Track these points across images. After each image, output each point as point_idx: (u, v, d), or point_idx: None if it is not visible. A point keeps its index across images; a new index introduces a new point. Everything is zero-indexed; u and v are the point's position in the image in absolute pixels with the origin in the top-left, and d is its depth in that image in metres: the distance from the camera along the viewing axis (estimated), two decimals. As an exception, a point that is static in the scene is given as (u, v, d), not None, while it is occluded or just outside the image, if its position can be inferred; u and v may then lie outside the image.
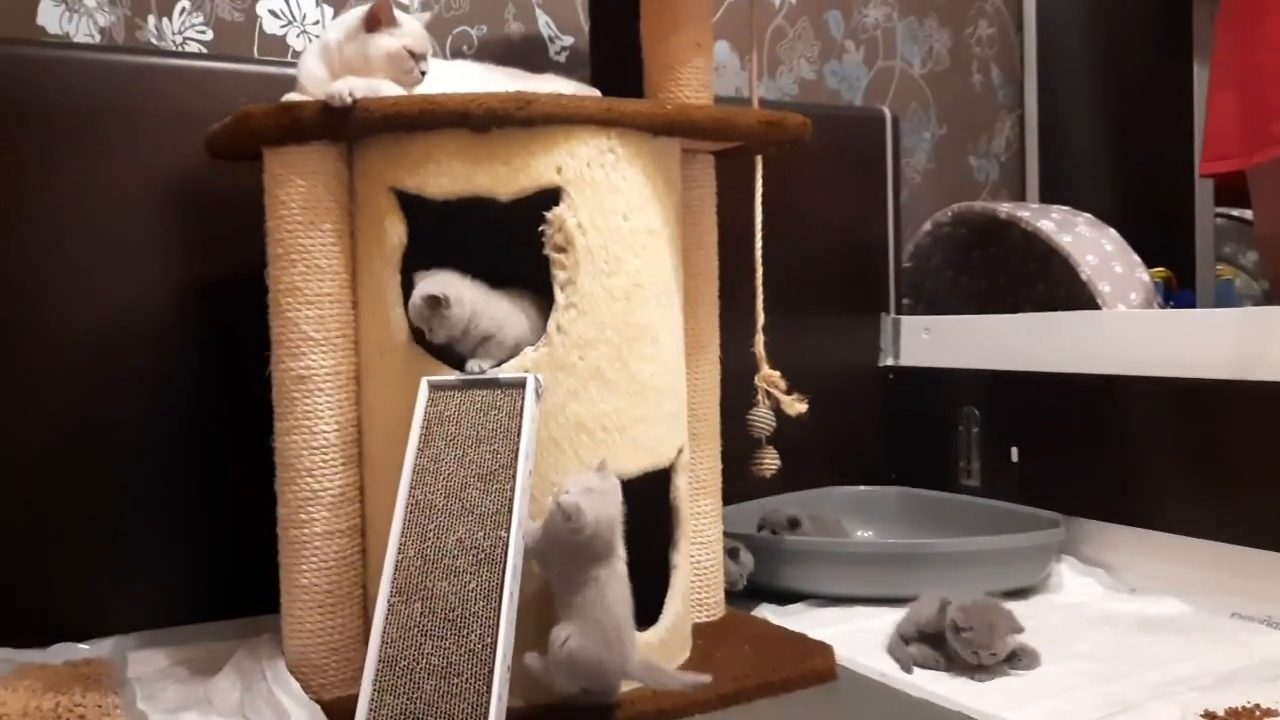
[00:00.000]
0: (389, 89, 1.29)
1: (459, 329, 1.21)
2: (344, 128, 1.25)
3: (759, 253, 1.61)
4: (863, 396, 2.12)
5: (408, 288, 1.26)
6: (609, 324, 1.28)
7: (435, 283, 1.21)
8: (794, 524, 1.75)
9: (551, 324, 1.26)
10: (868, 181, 2.15)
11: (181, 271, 1.56)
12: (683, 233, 1.43)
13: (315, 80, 1.33)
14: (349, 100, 1.22)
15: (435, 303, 1.19)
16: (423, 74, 1.35)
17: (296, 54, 1.75)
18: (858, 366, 2.14)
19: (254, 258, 1.34)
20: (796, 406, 1.60)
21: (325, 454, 1.29)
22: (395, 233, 1.27)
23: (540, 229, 1.26)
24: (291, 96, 1.32)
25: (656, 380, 1.34)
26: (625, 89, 1.48)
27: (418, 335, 1.26)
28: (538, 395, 1.21)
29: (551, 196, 1.26)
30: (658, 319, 1.34)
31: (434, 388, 1.22)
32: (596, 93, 1.45)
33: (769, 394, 1.62)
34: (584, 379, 1.26)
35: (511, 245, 1.28)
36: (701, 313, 1.51)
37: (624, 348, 1.29)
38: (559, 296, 1.26)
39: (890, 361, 2.14)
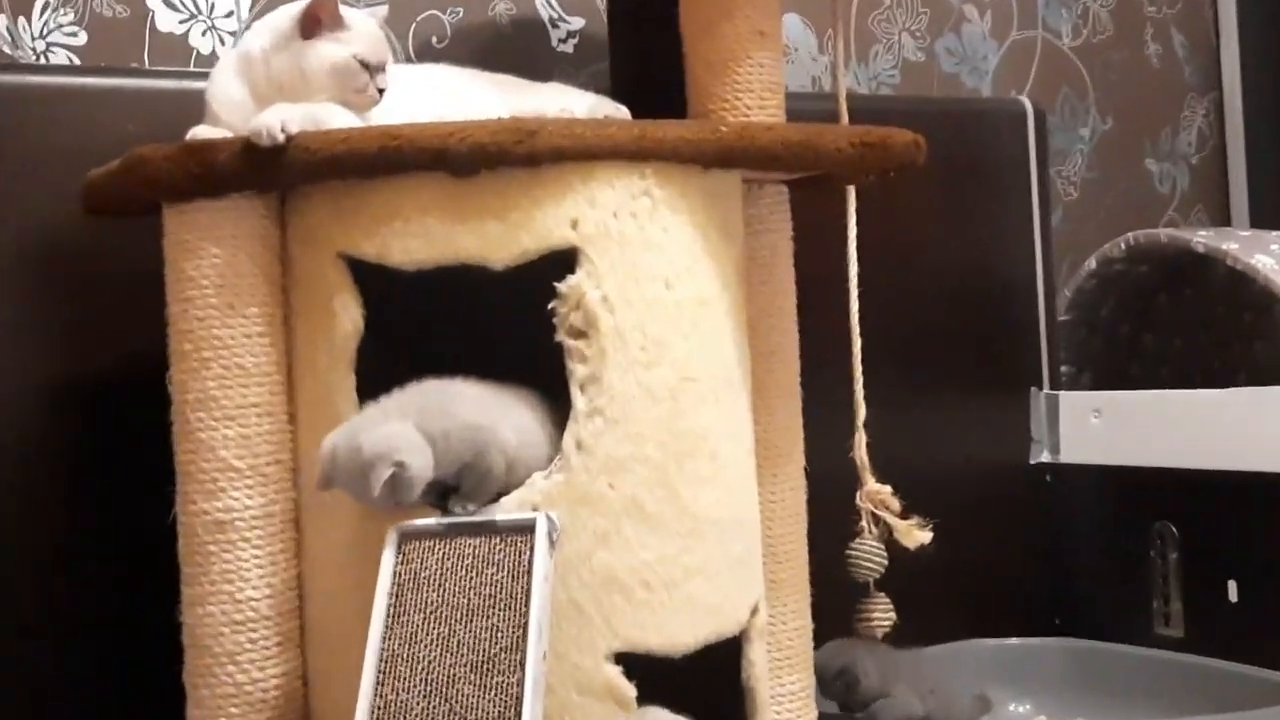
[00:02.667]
0: (337, 118, 1.32)
1: (433, 476, 1.21)
2: (275, 175, 1.28)
3: (855, 316, 1.62)
4: (1009, 509, 2.12)
5: (367, 391, 1.27)
6: (649, 436, 1.29)
7: (382, 438, 1.19)
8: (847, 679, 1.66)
9: (569, 440, 1.27)
10: (1003, 201, 2.17)
11: (45, 369, 1.58)
12: (748, 297, 1.44)
13: (232, 105, 1.37)
14: (280, 138, 1.25)
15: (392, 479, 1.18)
16: (380, 91, 1.38)
17: (204, 60, 1.78)
18: (1000, 466, 2.14)
19: (151, 351, 1.36)
20: (916, 535, 1.61)
21: (253, 631, 1.30)
22: (348, 317, 1.30)
23: (550, 306, 1.27)
24: (200, 130, 1.34)
25: (718, 511, 1.34)
26: (659, 96, 1.51)
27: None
28: (552, 543, 1.21)
29: (564, 261, 1.28)
30: (717, 424, 1.35)
31: (406, 536, 1.23)
32: (621, 108, 1.47)
33: (877, 518, 1.61)
34: (616, 515, 1.27)
35: (510, 324, 1.30)
36: (778, 406, 1.52)
37: (671, 468, 1.30)
38: (578, 401, 1.27)
39: (1046, 458, 2.14)
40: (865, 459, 1.61)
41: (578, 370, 1.28)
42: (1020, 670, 2.00)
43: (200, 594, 1.30)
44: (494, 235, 1.27)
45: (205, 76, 1.41)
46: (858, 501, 1.62)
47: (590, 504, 1.26)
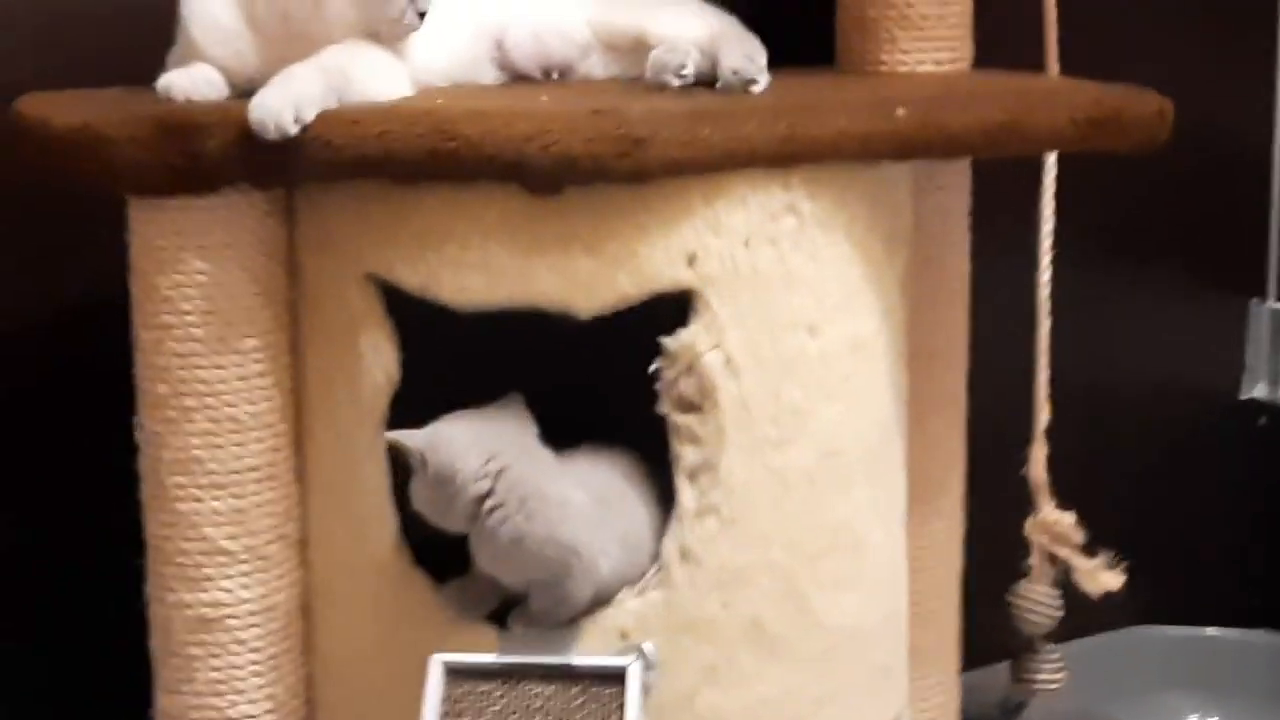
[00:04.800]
0: (369, 83, 1.26)
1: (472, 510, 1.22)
2: (284, 172, 1.24)
3: (1045, 304, 1.59)
4: (1210, 456, 2.12)
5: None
6: (776, 536, 1.29)
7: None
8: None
9: (671, 547, 1.27)
10: (1240, 40, 2.09)
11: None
12: (909, 281, 1.42)
13: (220, 33, 1.31)
14: (292, 130, 1.19)
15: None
16: (421, 16, 1.31)
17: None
18: (1201, 399, 2.14)
19: (116, 387, 1.34)
20: (1101, 580, 1.62)
21: (250, 763, 1.32)
22: (379, 363, 1.27)
23: (652, 368, 1.25)
24: (175, 79, 1.28)
25: (859, 617, 1.36)
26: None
27: (422, 549, 1.28)
28: (646, 690, 1.21)
29: (674, 307, 1.24)
30: (863, 506, 1.35)
31: (455, 674, 1.23)
32: (752, 38, 1.39)
33: (1052, 556, 1.61)
34: (730, 643, 1.28)
35: (595, 384, 1.29)
36: (936, 425, 1.52)
37: (802, 574, 1.30)
38: (686, 496, 1.26)
39: (1263, 393, 2.14)
40: (1043, 479, 1.60)
41: (686, 455, 1.26)
42: (1210, 670, 2.04)
43: (179, 707, 1.32)
44: (582, 273, 1.23)
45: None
46: (1028, 532, 1.61)
47: (697, 630, 1.26)
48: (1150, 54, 1.99)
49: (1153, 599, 2.06)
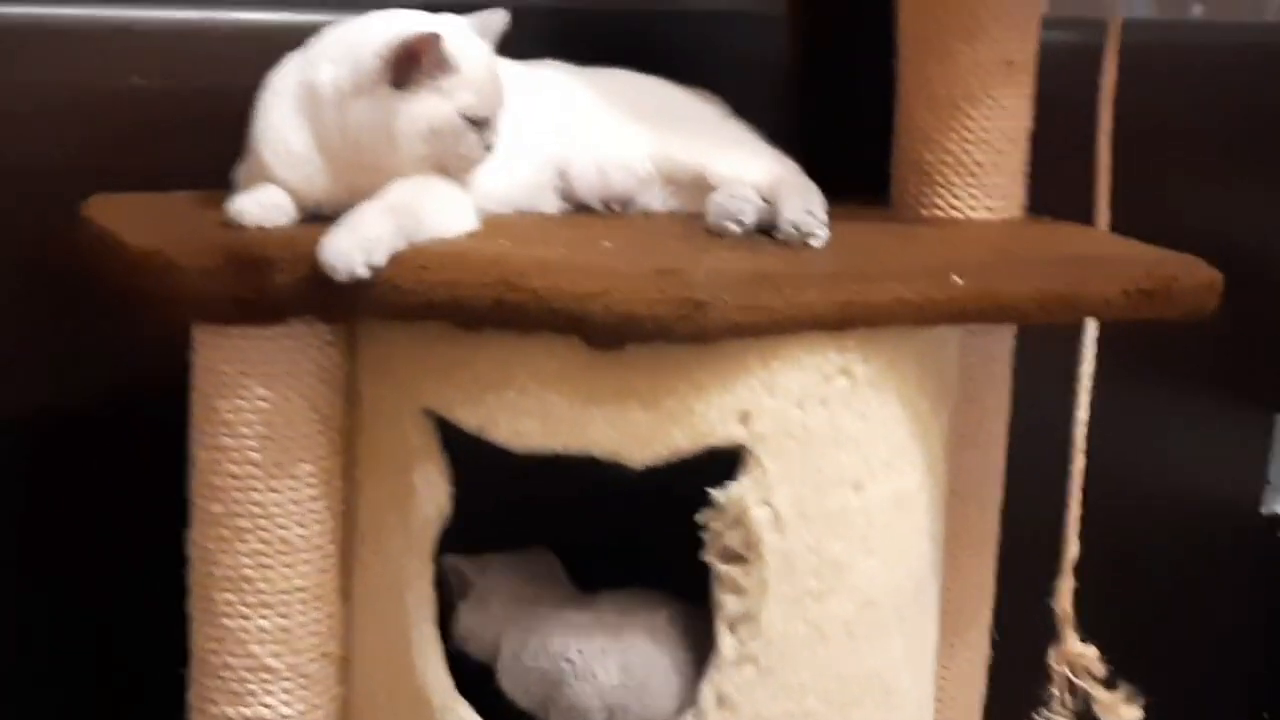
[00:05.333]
0: (440, 221, 1.29)
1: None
2: (351, 310, 1.26)
3: (1082, 427, 1.61)
4: (1226, 569, 2.13)
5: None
6: (812, 685, 1.30)
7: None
8: None
9: (708, 692, 1.28)
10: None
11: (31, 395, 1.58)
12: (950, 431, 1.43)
13: (290, 157, 1.33)
14: (364, 274, 1.21)
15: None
16: (488, 149, 1.33)
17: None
18: (1220, 512, 2.15)
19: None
20: (1121, 713, 1.63)
21: None
22: (431, 496, 1.29)
23: (700, 519, 1.26)
24: (244, 204, 1.30)
25: (884, 760, 1.36)
26: (852, 134, 1.52)
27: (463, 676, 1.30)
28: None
29: (725, 461, 1.26)
30: (898, 655, 1.36)
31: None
32: (812, 187, 1.41)
33: (1073, 687, 1.63)
34: (761, 790, 1.28)
35: (638, 525, 1.32)
36: (968, 562, 1.54)
37: (833, 721, 1.31)
38: (725, 644, 1.28)
39: (1285, 508, 2.13)
40: (1069, 611, 1.61)
41: (728, 604, 1.28)
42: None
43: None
44: (637, 426, 1.25)
45: (249, 5, 1.37)
46: (1051, 662, 1.62)
47: (729, 779, 1.27)
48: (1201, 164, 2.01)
49: (1162, 706, 2.07)
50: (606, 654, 1.29)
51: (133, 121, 1.56)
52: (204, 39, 1.56)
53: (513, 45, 1.38)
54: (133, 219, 1.35)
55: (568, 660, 1.30)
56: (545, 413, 1.25)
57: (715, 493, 1.26)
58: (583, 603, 1.34)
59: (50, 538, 1.62)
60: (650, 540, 1.30)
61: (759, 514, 1.26)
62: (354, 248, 1.20)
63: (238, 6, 1.59)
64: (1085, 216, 1.57)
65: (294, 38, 1.37)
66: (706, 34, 1.75)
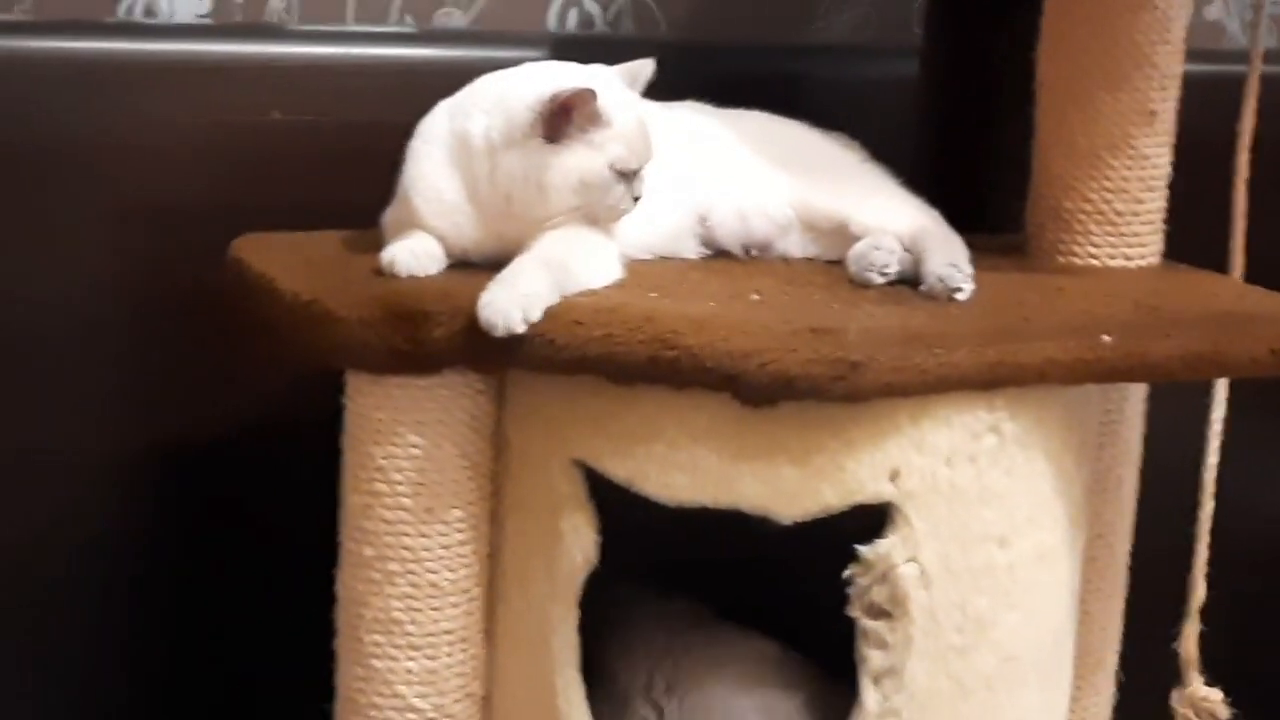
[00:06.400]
0: (593, 273, 1.30)
1: None
2: (505, 362, 1.27)
3: (1212, 471, 1.61)
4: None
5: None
6: (951, 739, 1.31)
7: None
8: None
9: (850, 745, 1.29)
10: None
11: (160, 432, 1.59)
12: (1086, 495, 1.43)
13: (441, 206, 1.35)
14: (520, 329, 1.22)
15: None
16: (636, 200, 1.34)
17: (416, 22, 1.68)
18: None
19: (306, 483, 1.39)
20: (1246, 755, 1.63)
21: None
22: (579, 544, 1.30)
23: (847, 576, 1.28)
24: (397, 253, 1.32)
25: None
26: (986, 180, 1.52)
27: None
28: None
29: (872, 517, 1.26)
30: (1034, 707, 1.37)
31: None
32: (955, 238, 1.41)
33: (1197, 731, 1.64)
34: (904, 839, 1.30)
35: (776, 574, 1.33)
36: (1097, 605, 1.55)
37: (972, 774, 1.32)
38: (869, 698, 1.29)
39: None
40: (1194, 655, 1.61)
41: (873, 659, 1.29)
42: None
43: None
44: (787, 482, 1.26)
45: (386, 41, 1.37)
46: (1175, 705, 1.62)
47: (870, 843, 1.29)
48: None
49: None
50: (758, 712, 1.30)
51: (272, 155, 1.57)
52: (341, 74, 1.57)
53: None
54: (284, 262, 1.36)
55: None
56: (694, 466, 1.26)
57: (863, 549, 1.27)
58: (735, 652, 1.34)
59: (200, 572, 1.64)
60: (788, 594, 1.30)
61: (906, 570, 1.27)
62: (512, 305, 1.22)
63: (374, 43, 1.59)
64: (1205, 251, 1.57)
65: (429, 72, 1.38)
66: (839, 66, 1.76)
